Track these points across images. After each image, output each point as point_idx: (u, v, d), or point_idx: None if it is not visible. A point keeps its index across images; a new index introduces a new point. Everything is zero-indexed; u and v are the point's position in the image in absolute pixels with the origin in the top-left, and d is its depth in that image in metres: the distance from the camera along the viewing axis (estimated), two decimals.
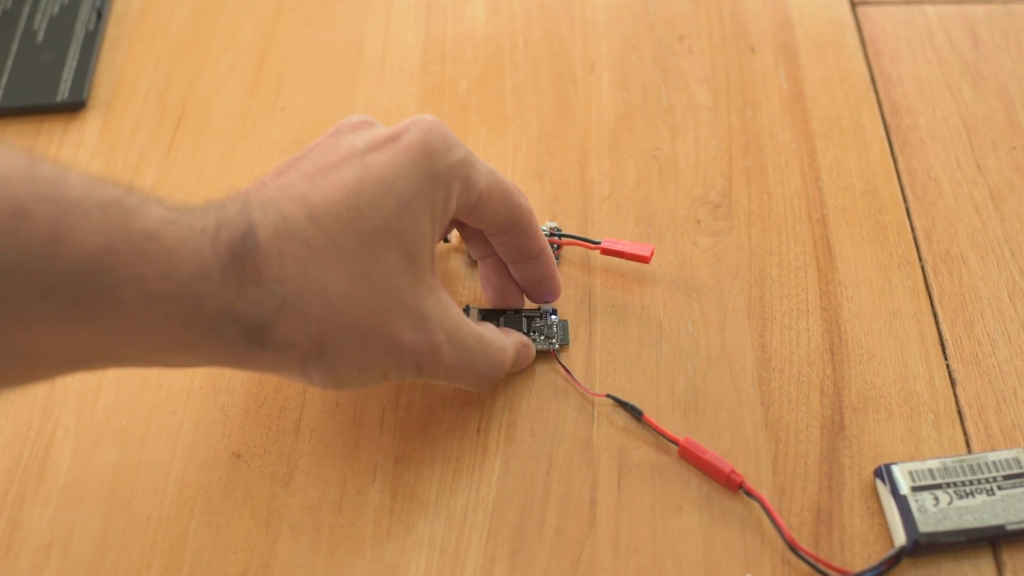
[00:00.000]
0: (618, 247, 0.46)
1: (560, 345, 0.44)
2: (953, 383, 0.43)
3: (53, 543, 0.39)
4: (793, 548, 0.37)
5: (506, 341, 0.40)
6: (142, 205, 0.30)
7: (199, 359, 0.34)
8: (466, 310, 0.44)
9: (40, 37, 0.56)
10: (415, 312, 0.35)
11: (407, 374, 0.36)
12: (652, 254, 0.45)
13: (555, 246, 0.46)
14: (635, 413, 0.41)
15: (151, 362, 0.33)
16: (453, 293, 0.46)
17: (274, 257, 0.32)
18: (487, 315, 0.44)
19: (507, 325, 0.43)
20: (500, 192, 0.39)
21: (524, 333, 0.43)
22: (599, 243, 0.46)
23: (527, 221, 0.40)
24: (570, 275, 0.46)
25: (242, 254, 0.32)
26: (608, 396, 0.42)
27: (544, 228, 0.47)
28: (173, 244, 0.30)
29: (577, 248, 0.47)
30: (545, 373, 0.43)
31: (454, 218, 0.39)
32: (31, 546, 0.39)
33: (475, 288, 0.46)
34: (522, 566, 0.38)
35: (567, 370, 0.43)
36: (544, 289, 0.43)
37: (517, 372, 0.43)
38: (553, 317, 0.44)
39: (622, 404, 0.42)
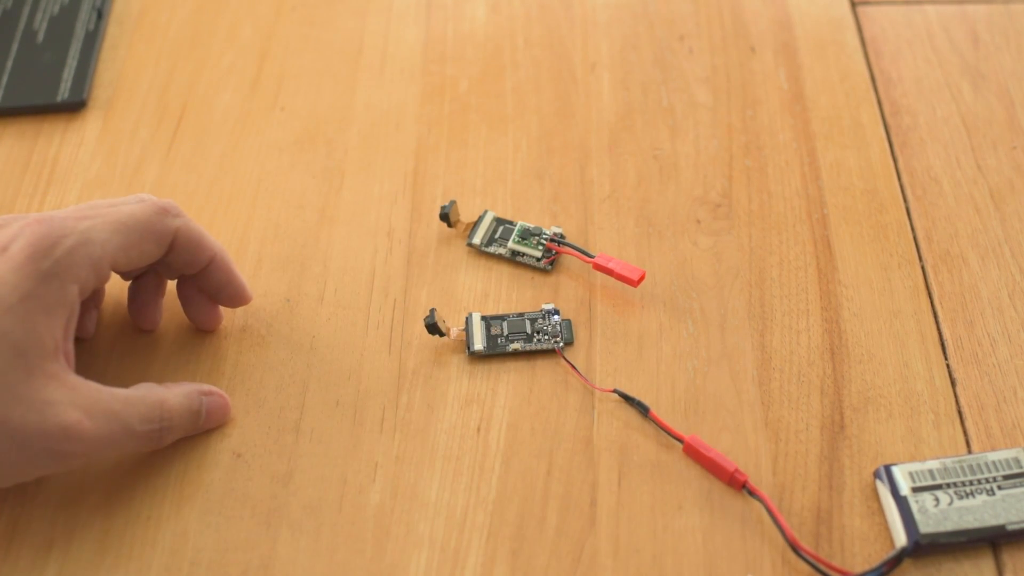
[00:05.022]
0: (609, 265, 0.45)
1: (565, 344, 0.44)
2: (953, 383, 0.43)
3: (53, 543, 0.39)
4: (795, 548, 0.37)
5: (165, 393, 0.40)
6: None
7: None
8: (468, 318, 0.44)
9: (40, 37, 0.56)
10: (35, 401, 0.36)
11: (54, 462, 0.37)
12: (641, 279, 0.45)
13: (552, 251, 0.46)
14: (642, 409, 0.41)
15: None
16: (453, 287, 0.46)
17: None
18: (491, 320, 0.44)
19: (510, 329, 0.44)
20: (137, 236, 0.39)
21: (527, 334, 0.43)
22: (593, 257, 0.46)
23: (183, 240, 0.41)
24: (571, 276, 0.46)
25: None
26: (615, 391, 0.42)
27: (547, 233, 0.47)
28: None
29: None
30: (546, 373, 0.43)
31: (151, 272, 0.43)
32: (31, 546, 0.39)
33: (474, 284, 0.46)
34: (522, 566, 0.38)
35: (573, 367, 0.43)
36: (231, 292, 0.43)
37: (212, 429, 0.41)
38: (556, 317, 0.44)
39: (629, 400, 0.42)
